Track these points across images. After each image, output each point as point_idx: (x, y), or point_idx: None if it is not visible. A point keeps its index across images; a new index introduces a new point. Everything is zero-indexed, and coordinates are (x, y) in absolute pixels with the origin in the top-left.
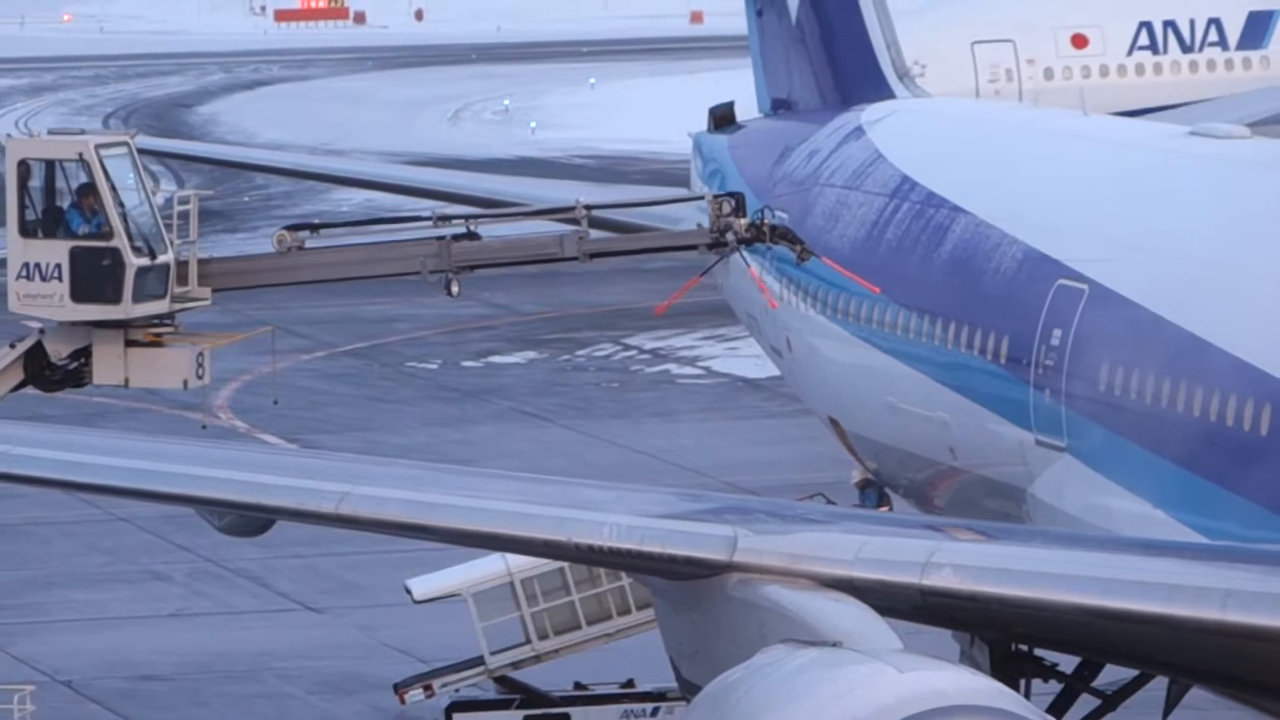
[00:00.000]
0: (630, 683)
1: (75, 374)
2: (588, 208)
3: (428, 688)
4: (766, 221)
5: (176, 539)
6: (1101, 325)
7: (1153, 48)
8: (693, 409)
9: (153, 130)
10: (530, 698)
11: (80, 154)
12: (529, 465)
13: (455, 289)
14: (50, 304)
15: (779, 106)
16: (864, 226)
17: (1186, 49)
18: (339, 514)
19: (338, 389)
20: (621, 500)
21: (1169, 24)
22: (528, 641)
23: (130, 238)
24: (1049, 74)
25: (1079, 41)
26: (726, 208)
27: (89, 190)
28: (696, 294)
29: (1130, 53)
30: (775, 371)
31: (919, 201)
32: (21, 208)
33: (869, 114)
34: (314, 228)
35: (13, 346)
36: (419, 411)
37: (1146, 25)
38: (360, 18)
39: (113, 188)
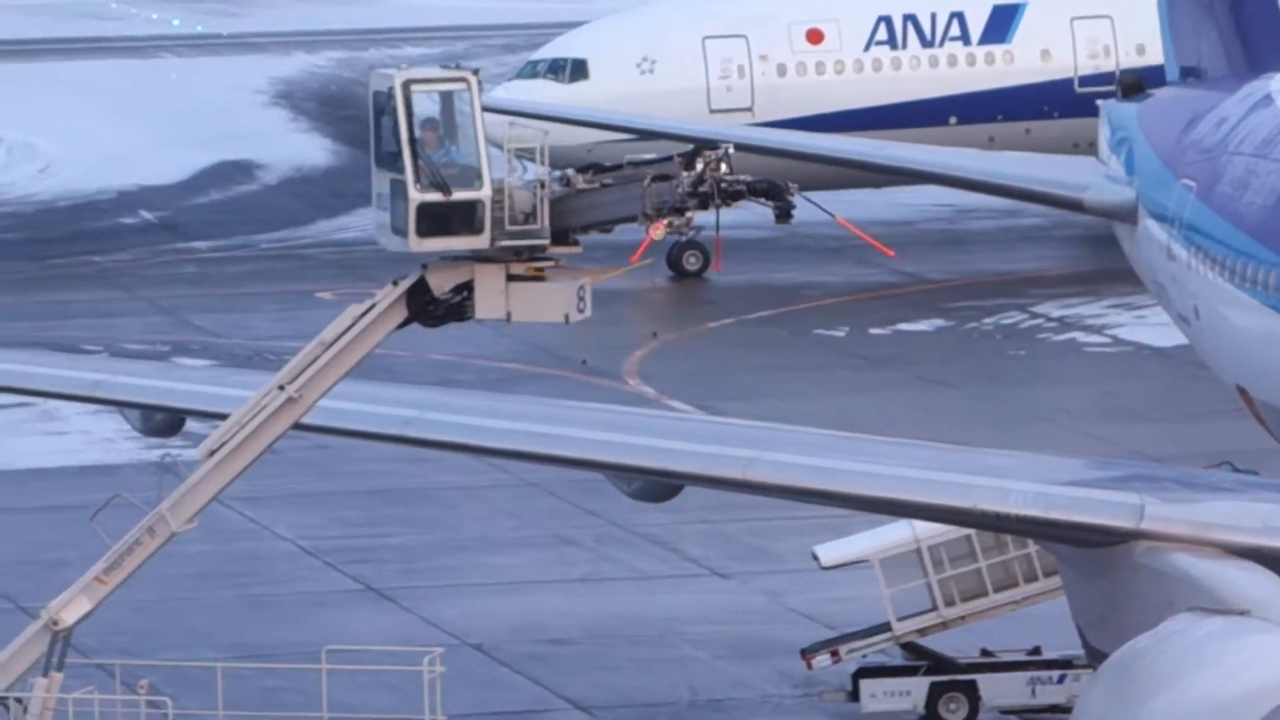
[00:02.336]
0: (1037, 650)
1: (457, 308)
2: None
3: (834, 653)
4: (718, 177)
5: (585, 504)
6: None
7: (891, 42)
8: (1099, 376)
9: None
10: (937, 664)
11: (390, 89)
12: (935, 432)
13: (657, 233)
14: (385, 234)
15: (1187, 75)
16: (1274, 194)
17: (927, 44)
18: (746, 480)
19: (746, 355)
20: (1028, 467)
21: (909, 18)
22: (934, 608)
23: (416, 173)
24: (782, 70)
25: (814, 37)
26: (700, 164)
27: (425, 124)
28: (1105, 261)
29: (867, 48)
30: (1183, 339)
31: None
32: (376, 139)
33: (1278, 82)
34: (597, 169)
35: (395, 284)
36: (826, 378)
37: (885, 20)
38: None
39: (410, 125)
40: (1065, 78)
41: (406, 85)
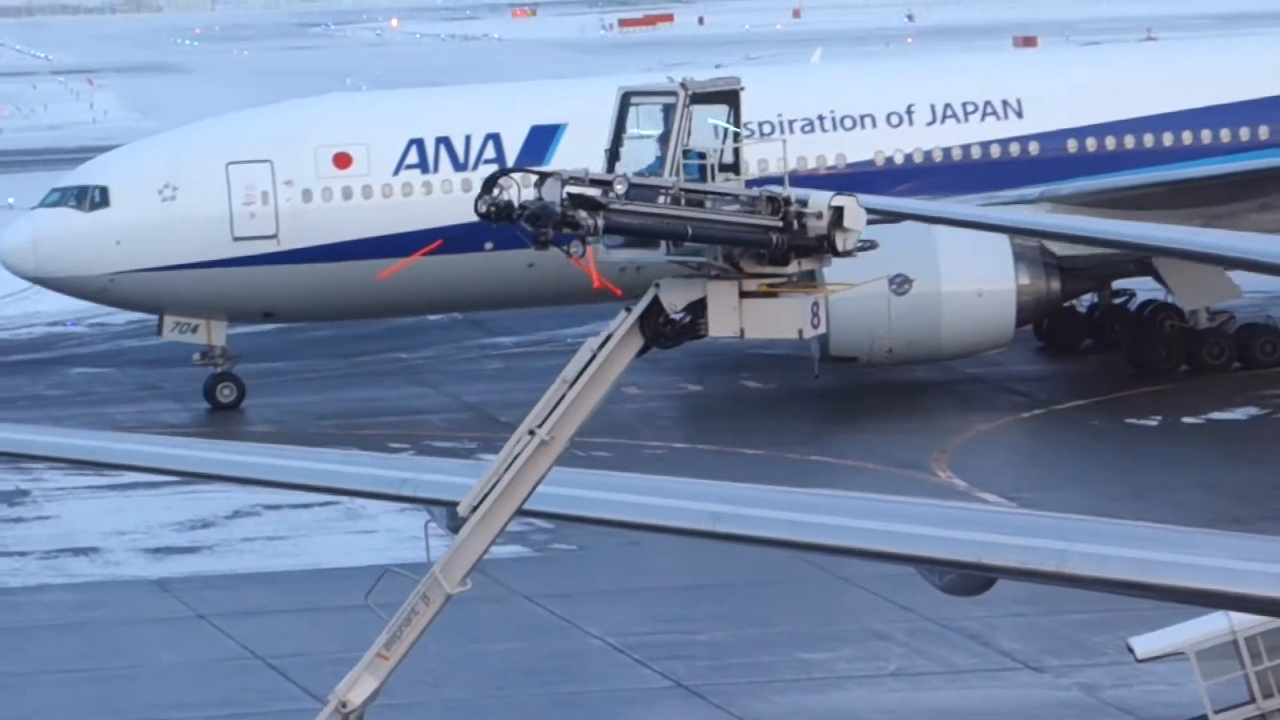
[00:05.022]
0: None
1: (691, 326)
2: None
3: None
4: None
5: (897, 598)
6: None
7: (422, 166)
8: None
9: None
10: None
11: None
12: (1249, 522)
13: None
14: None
15: None
16: None
17: (460, 167)
18: (1060, 572)
19: (1055, 446)
20: None
21: (442, 141)
22: (1252, 700)
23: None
24: (308, 195)
25: (342, 161)
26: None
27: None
28: None
29: (397, 172)
30: None
31: None
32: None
33: None
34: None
35: (628, 310)
36: (1137, 468)
37: (417, 143)
38: None
39: (616, 135)
40: None
41: (626, 96)
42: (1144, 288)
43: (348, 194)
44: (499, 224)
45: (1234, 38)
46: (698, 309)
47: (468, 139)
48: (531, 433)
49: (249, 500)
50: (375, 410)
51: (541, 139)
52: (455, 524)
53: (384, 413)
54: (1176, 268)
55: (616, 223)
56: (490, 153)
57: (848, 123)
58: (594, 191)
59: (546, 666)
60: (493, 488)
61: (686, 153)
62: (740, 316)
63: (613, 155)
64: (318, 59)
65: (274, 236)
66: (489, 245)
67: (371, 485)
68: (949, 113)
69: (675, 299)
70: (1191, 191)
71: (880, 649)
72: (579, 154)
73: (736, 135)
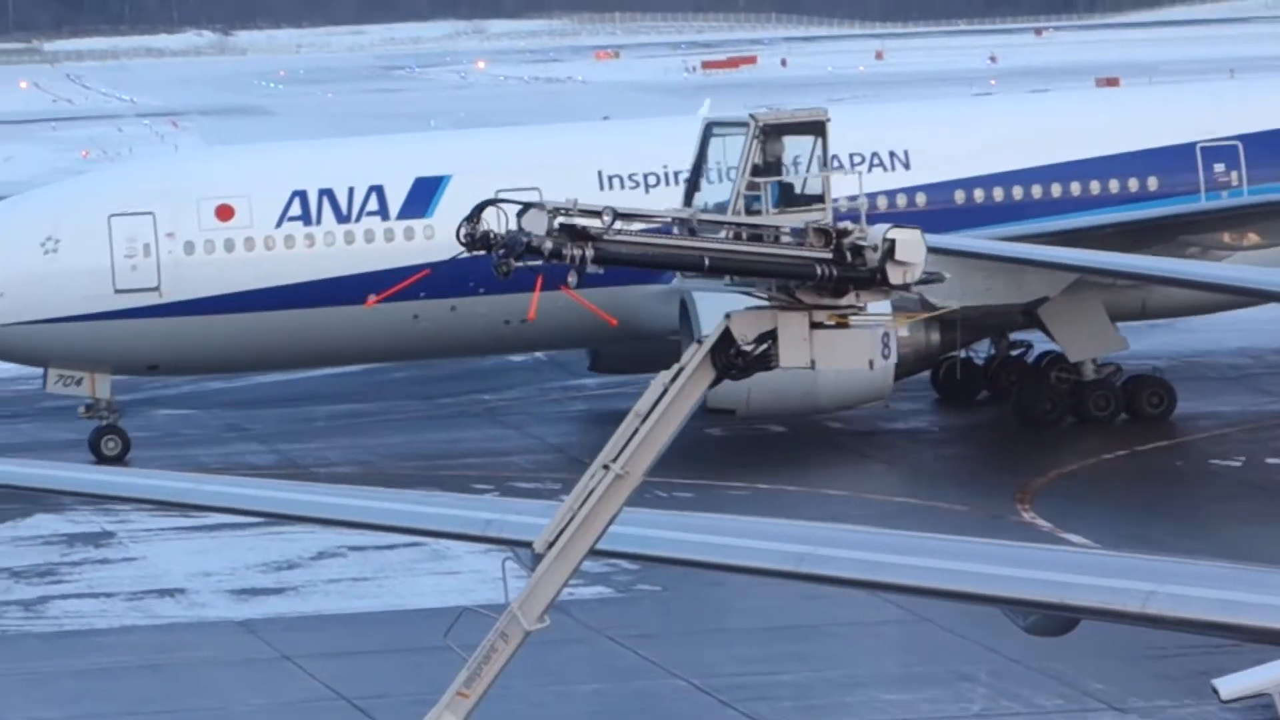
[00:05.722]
0: None
1: (761, 357)
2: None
3: None
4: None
5: (980, 639)
6: None
7: (305, 218)
8: None
9: None
10: None
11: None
12: None
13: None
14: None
15: None
16: None
17: (343, 219)
18: (1144, 614)
19: (1139, 487)
20: None
21: (325, 193)
22: None
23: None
24: (190, 247)
25: (224, 213)
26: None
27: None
28: None
29: (280, 224)
30: None
31: None
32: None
33: None
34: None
35: (699, 343)
36: (1224, 511)
37: (300, 195)
38: None
39: (696, 164)
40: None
41: (708, 127)
42: (1042, 340)
43: (230, 246)
44: (477, 253)
45: (1122, 90)
46: (768, 340)
47: (351, 190)
48: (606, 467)
49: (333, 541)
50: (459, 452)
51: (425, 190)
52: (536, 564)
53: (467, 454)
54: (1062, 319)
55: (610, 253)
56: (373, 204)
57: (733, 173)
58: (588, 221)
59: (631, 707)
60: (568, 523)
61: (757, 183)
62: (811, 347)
63: (692, 185)
64: (401, 101)
65: (156, 289)
66: (372, 297)
67: (456, 526)
68: (835, 164)
69: (746, 330)
70: (1080, 242)
71: (964, 690)
72: (464, 206)
73: (822, 165)
